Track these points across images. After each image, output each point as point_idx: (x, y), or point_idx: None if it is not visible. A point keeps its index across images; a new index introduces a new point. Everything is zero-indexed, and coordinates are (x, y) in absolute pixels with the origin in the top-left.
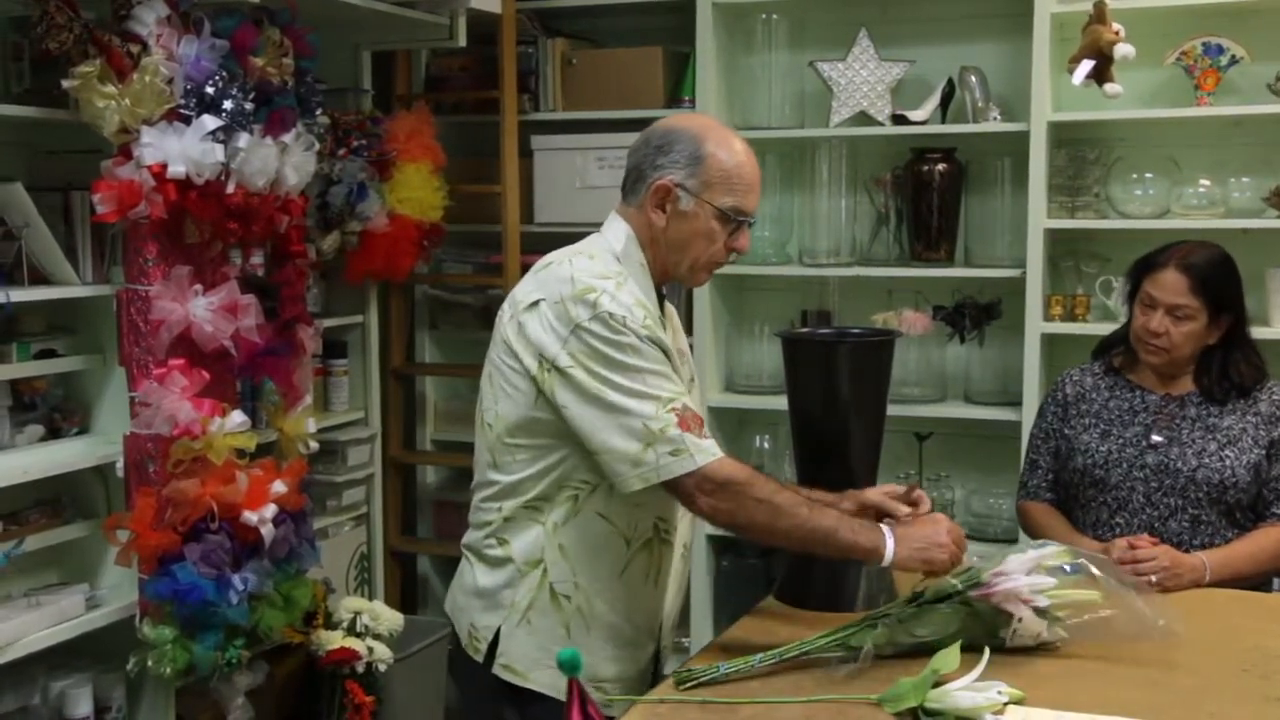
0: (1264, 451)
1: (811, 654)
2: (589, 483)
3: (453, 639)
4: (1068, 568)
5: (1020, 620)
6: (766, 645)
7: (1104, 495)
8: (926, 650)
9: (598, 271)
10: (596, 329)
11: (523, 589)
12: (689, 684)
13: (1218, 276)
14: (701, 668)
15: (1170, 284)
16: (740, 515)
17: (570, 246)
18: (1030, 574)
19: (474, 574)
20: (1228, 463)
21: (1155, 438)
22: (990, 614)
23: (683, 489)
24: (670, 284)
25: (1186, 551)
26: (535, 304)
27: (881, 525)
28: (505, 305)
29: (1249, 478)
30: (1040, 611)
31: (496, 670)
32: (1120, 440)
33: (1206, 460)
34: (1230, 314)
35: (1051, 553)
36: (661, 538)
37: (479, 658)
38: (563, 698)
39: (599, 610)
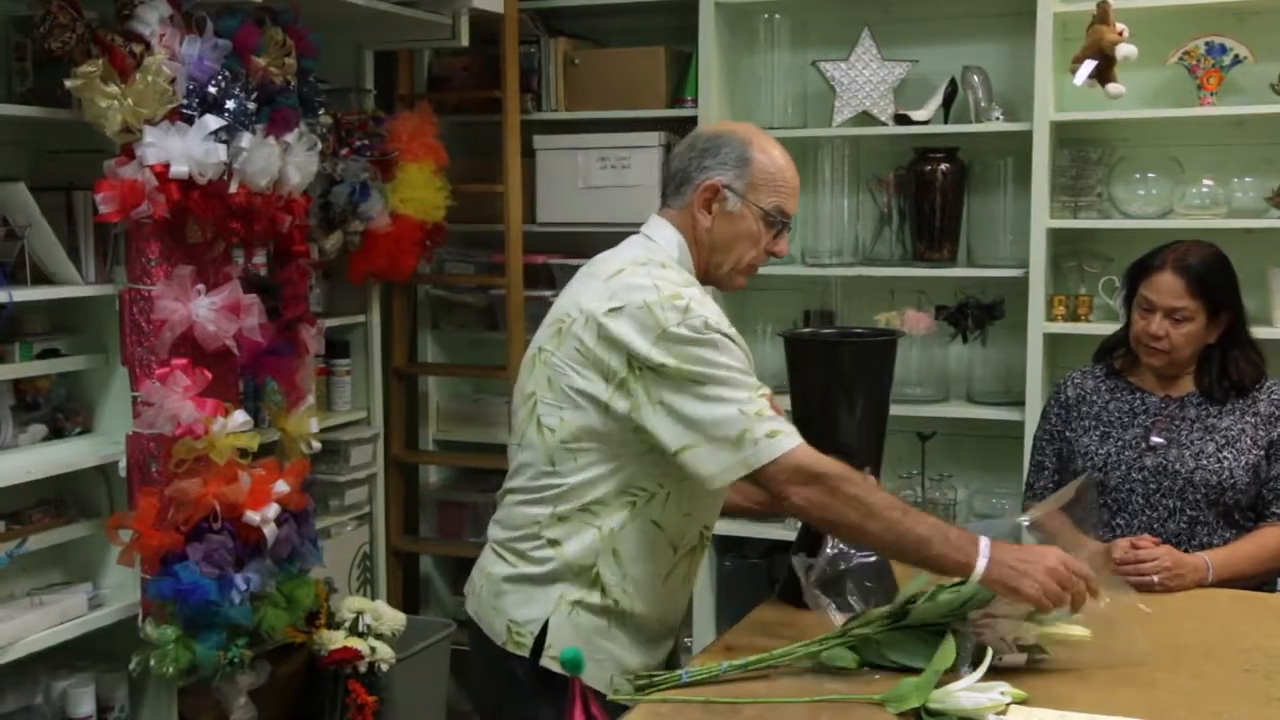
0: (1263, 452)
1: (779, 666)
2: (647, 490)
3: (475, 640)
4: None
5: (1001, 659)
6: (768, 645)
7: (1104, 497)
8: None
9: (678, 281)
10: (686, 333)
11: (572, 587)
12: (650, 689)
13: (1214, 277)
14: (663, 674)
15: (1167, 287)
16: (832, 511)
17: (629, 254)
18: (1020, 618)
19: (513, 571)
20: (1225, 464)
21: (1155, 439)
22: (971, 646)
23: (776, 480)
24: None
25: (1185, 552)
26: (616, 310)
27: (982, 539)
28: (570, 311)
29: (1247, 478)
30: (1025, 647)
31: (545, 662)
32: (1120, 442)
33: (1204, 462)
34: (1228, 313)
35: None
36: (703, 545)
37: (523, 652)
38: (602, 689)
39: (638, 610)
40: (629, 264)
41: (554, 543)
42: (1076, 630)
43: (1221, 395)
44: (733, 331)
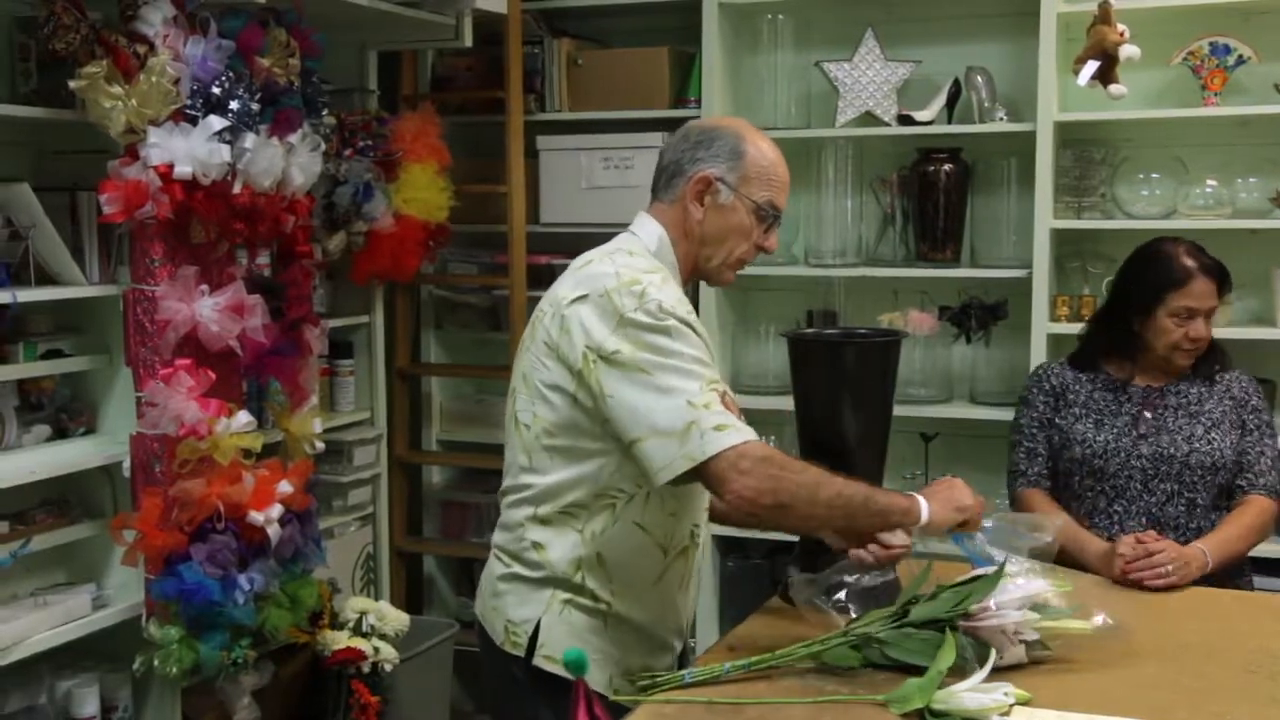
0: (1240, 432)
1: (781, 666)
2: (626, 492)
3: (481, 641)
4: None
5: (1002, 657)
6: (771, 646)
7: (1102, 484)
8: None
9: (642, 267)
10: (642, 318)
11: (561, 589)
12: (653, 690)
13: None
14: (665, 675)
15: (1205, 292)
16: (782, 492)
17: (604, 246)
18: (1020, 609)
19: (508, 572)
20: (1216, 444)
21: (1143, 427)
22: (973, 644)
23: (719, 471)
24: (687, 285)
25: (1185, 535)
26: (578, 299)
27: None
28: (544, 305)
29: (1234, 458)
30: (1027, 643)
31: (538, 662)
32: (1114, 430)
33: (1197, 444)
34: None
35: (1043, 588)
36: (695, 544)
37: (520, 652)
38: (601, 690)
39: (634, 615)
40: (598, 254)
41: (538, 545)
42: (1076, 623)
43: (1208, 372)
44: (692, 318)
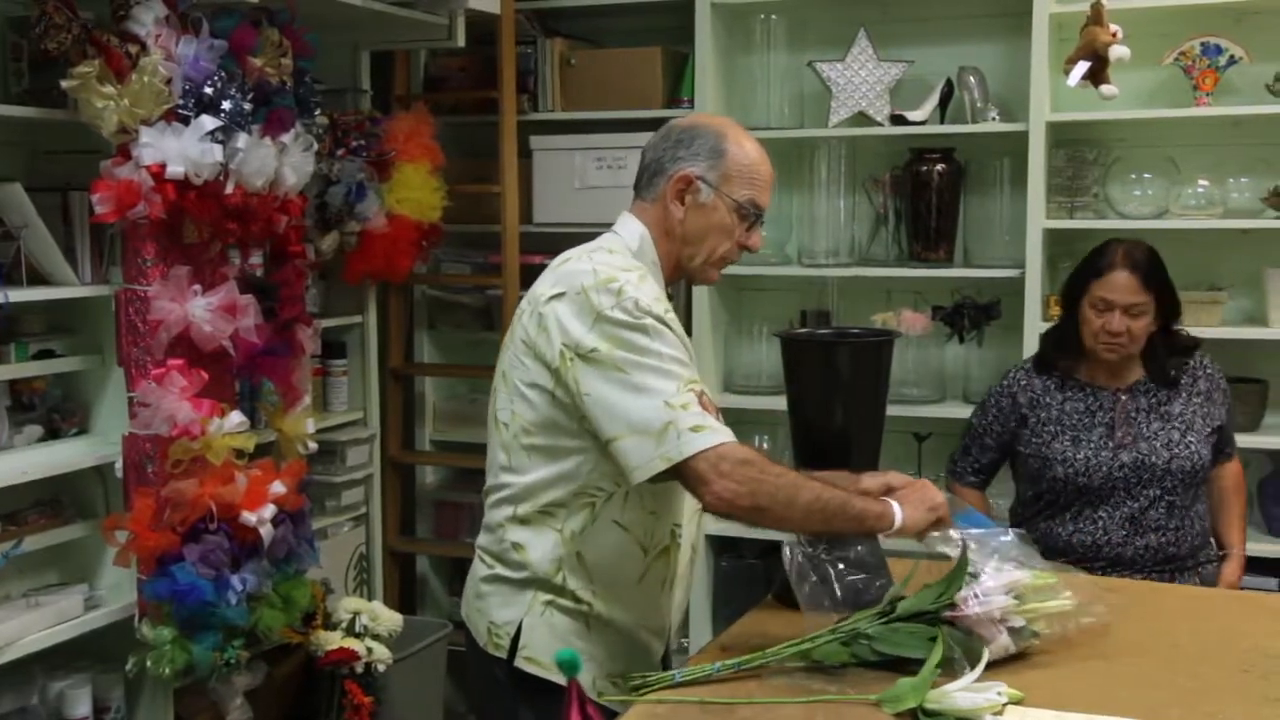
0: (1215, 427)
1: (772, 665)
2: (605, 490)
3: (467, 642)
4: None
5: (989, 649)
6: (764, 645)
7: (1087, 495)
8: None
9: (619, 265)
10: (619, 316)
11: (542, 591)
12: (644, 690)
13: (1158, 269)
14: (655, 675)
15: (1123, 285)
16: (761, 495)
17: (585, 245)
18: (1005, 594)
19: (491, 573)
20: (1192, 448)
21: (1120, 435)
22: (961, 637)
23: (698, 471)
24: (674, 284)
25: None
26: (556, 297)
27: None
28: (523, 303)
29: (1211, 456)
30: (1015, 631)
31: (519, 663)
32: (1092, 445)
33: (1176, 449)
34: (1169, 301)
35: (1025, 578)
36: (676, 544)
37: (501, 654)
38: (585, 690)
39: (616, 615)
40: (578, 253)
41: (518, 546)
42: (1060, 602)
43: (1169, 373)
44: (670, 317)
